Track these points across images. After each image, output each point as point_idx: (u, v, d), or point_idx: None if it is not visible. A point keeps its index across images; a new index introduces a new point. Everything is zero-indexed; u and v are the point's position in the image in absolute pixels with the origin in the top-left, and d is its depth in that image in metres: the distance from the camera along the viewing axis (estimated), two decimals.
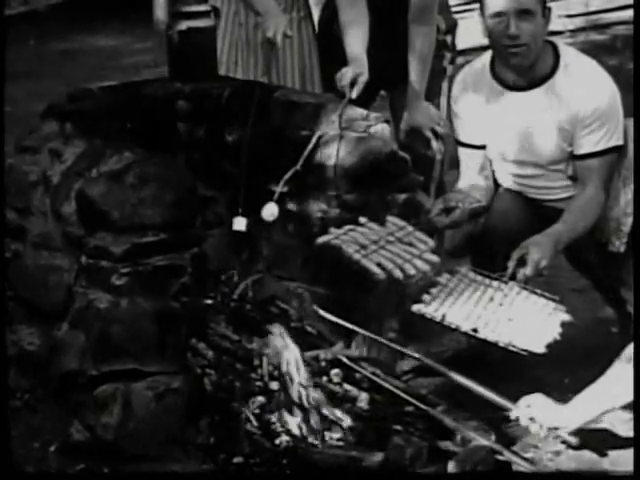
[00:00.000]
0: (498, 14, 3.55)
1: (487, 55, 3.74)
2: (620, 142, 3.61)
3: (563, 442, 3.15)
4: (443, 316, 3.33)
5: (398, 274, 3.31)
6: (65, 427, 3.22)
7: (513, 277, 3.47)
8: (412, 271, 3.32)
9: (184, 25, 3.74)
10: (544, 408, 3.15)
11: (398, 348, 3.39)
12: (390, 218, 3.55)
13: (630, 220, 3.59)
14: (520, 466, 3.06)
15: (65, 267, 3.39)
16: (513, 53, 3.56)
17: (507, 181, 3.82)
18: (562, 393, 3.38)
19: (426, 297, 3.40)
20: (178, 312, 3.27)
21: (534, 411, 3.14)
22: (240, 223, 3.53)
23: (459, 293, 3.44)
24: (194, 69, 3.78)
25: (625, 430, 3.26)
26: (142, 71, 8.09)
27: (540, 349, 3.23)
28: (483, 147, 3.80)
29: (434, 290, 3.43)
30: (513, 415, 3.17)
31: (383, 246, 3.41)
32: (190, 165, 3.58)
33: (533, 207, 3.78)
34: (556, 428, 3.12)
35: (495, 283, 3.49)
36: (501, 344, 3.25)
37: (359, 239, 3.42)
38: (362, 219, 3.51)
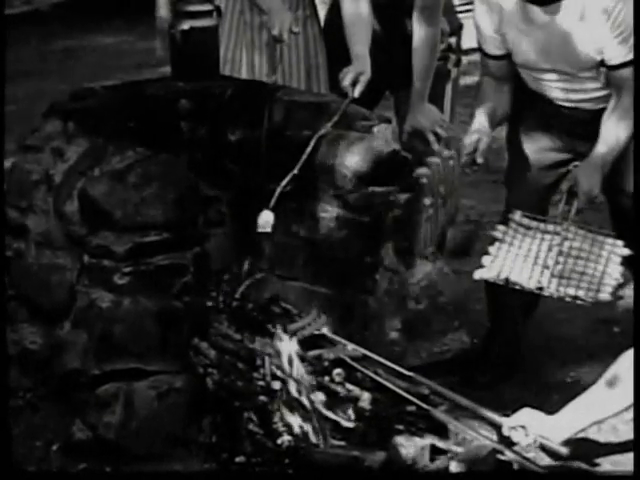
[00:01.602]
0: None
1: None
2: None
3: (552, 454, 3.12)
4: (506, 280, 3.27)
5: None
6: (67, 426, 3.23)
7: (566, 214, 3.40)
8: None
9: (187, 24, 3.74)
10: (534, 420, 3.12)
11: (393, 366, 3.36)
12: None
13: None
14: (520, 466, 3.07)
15: (67, 266, 3.39)
16: None
17: (535, 87, 3.71)
18: (564, 393, 3.39)
19: (485, 259, 3.33)
20: (180, 311, 3.27)
21: (524, 423, 3.11)
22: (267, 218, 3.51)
23: (517, 247, 3.36)
24: (197, 68, 3.78)
25: (626, 430, 3.27)
26: (144, 70, 8.09)
27: (606, 297, 3.18)
28: (506, 57, 3.69)
29: (492, 249, 3.37)
30: (505, 431, 3.13)
31: None
32: (192, 164, 3.58)
33: (564, 115, 3.68)
34: (546, 439, 3.10)
35: (550, 226, 3.41)
36: (567, 299, 3.20)
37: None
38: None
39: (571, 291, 3.20)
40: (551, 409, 3.18)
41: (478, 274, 3.32)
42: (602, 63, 3.52)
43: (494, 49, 3.69)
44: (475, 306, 3.92)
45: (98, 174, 3.40)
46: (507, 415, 3.19)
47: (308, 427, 3.16)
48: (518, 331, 3.84)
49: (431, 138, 4.12)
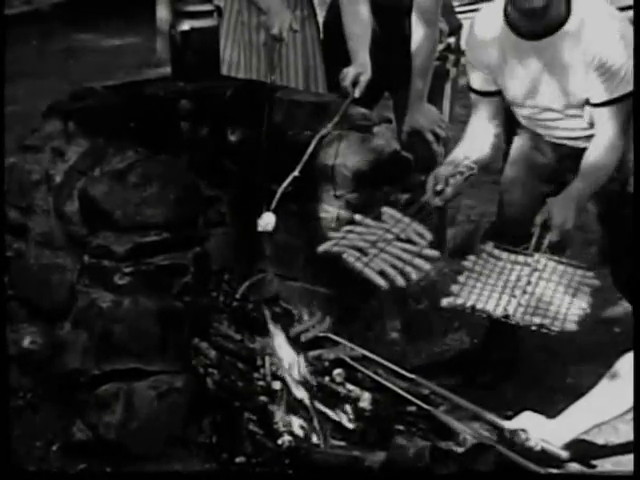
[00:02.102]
0: None
1: (500, 2, 3.59)
2: (631, 87, 3.48)
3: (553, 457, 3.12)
4: (473, 307, 3.28)
5: (400, 282, 3.29)
6: (67, 426, 3.23)
7: (539, 246, 3.41)
8: (414, 275, 3.30)
9: (187, 25, 3.74)
10: (535, 423, 3.13)
11: (394, 367, 3.37)
12: (386, 209, 3.50)
13: None
14: (521, 466, 3.06)
15: (68, 266, 3.39)
16: None
17: (525, 123, 3.75)
18: (565, 393, 3.39)
19: (454, 288, 3.35)
20: (180, 311, 3.27)
21: (525, 427, 3.11)
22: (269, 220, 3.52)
23: (486, 276, 3.38)
24: (197, 69, 3.78)
25: (627, 430, 3.27)
26: (145, 70, 8.09)
27: (572, 327, 3.18)
28: (497, 93, 3.71)
29: (461, 278, 3.38)
30: (506, 434, 3.13)
31: (382, 248, 3.37)
32: (193, 164, 3.58)
33: (552, 148, 3.71)
34: (547, 442, 3.09)
35: (521, 258, 3.42)
36: (533, 327, 3.21)
37: (358, 243, 3.38)
38: (357, 217, 3.47)
39: (537, 320, 3.21)
40: (551, 409, 3.19)
41: (445, 302, 3.33)
42: (587, 101, 3.55)
43: (485, 85, 3.71)
44: None
45: (98, 174, 3.40)
46: (507, 415, 3.19)
47: (308, 427, 3.16)
48: (517, 331, 3.83)
49: (430, 138, 4.12)
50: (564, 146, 3.69)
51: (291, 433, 3.14)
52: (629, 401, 3.02)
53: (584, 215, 3.86)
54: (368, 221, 3.46)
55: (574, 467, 3.15)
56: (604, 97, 3.51)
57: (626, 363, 3.07)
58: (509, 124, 3.84)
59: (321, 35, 4.34)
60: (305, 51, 4.22)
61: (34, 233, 3.52)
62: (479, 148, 3.71)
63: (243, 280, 3.55)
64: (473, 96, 3.78)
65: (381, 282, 3.26)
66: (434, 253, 3.38)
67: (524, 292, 3.29)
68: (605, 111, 3.53)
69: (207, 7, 3.81)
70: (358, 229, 3.44)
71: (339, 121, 3.56)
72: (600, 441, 3.28)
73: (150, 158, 3.41)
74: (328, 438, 3.15)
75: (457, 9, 4.58)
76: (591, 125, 3.59)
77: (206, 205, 3.52)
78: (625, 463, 3.16)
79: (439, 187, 3.55)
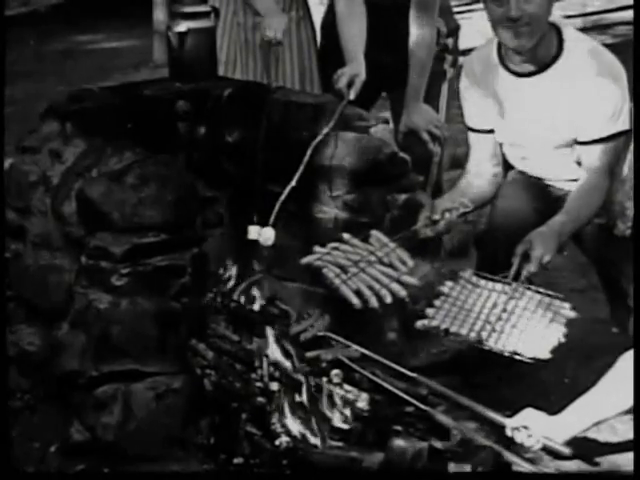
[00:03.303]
0: None
1: (495, 40, 3.66)
2: (625, 127, 3.54)
3: (555, 454, 3.12)
4: (446, 330, 3.33)
5: (374, 303, 3.32)
6: (65, 427, 3.22)
7: (518, 275, 3.44)
8: (388, 299, 3.33)
9: (184, 26, 3.74)
10: (536, 420, 3.13)
11: (395, 367, 3.37)
12: (374, 233, 3.54)
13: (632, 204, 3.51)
14: (520, 466, 3.07)
15: (65, 267, 3.39)
16: (515, 34, 3.47)
17: (516, 164, 3.78)
18: (563, 394, 3.38)
19: (429, 311, 3.39)
20: (178, 312, 3.27)
21: (527, 424, 3.12)
22: (254, 232, 3.55)
23: (463, 301, 3.43)
24: (194, 69, 3.78)
25: (625, 430, 3.27)
26: (142, 71, 8.10)
27: (545, 355, 3.21)
28: (492, 131, 3.76)
29: (437, 302, 3.42)
30: (508, 432, 3.14)
31: (363, 268, 3.41)
32: (190, 165, 3.58)
33: (541, 189, 3.74)
34: (549, 439, 3.10)
35: (499, 286, 3.46)
36: (506, 354, 3.25)
37: (340, 260, 3.43)
38: (345, 235, 3.51)
39: (510, 347, 3.24)
40: (550, 409, 3.18)
41: (420, 324, 3.37)
42: (576, 140, 3.59)
43: (481, 123, 3.75)
44: None
45: (96, 175, 3.40)
46: (507, 415, 3.19)
47: (306, 428, 3.16)
48: None
49: (426, 138, 4.13)
50: (552, 189, 3.73)
51: (289, 434, 3.14)
52: (630, 399, 3.02)
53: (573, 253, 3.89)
54: (355, 241, 3.51)
55: (575, 465, 3.15)
56: (593, 135, 3.54)
57: (627, 360, 3.07)
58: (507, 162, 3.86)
59: (318, 37, 4.35)
60: (300, 52, 4.23)
61: (32, 234, 3.52)
62: (477, 185, 3.75)
63: (241, 281, 3.54)
64: (470, 134, 3.82)
65: (355, 301, 3.31)
66: (412, 280, 3.41)
67: (499, 319, 3.33)
68: (591, 150, 3.56)
69: (204, 8, 3.82)
70: (343, 247, 3.49)
71: (335, 123, 3.56)
72: (600, 439, 3.29)
73: (148, 159, 3.41)
74: (326, 439, 3.15)
75: (455, 9, 4.59)
76: (579, 165, 3.63)
77: (204, 206, 3.52)
78: (625, 463, 3.16)
79: (436, 217, 3.58)
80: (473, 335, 3.30)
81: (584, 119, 3.53)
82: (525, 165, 3.77)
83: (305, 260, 3.44)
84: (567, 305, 3.41)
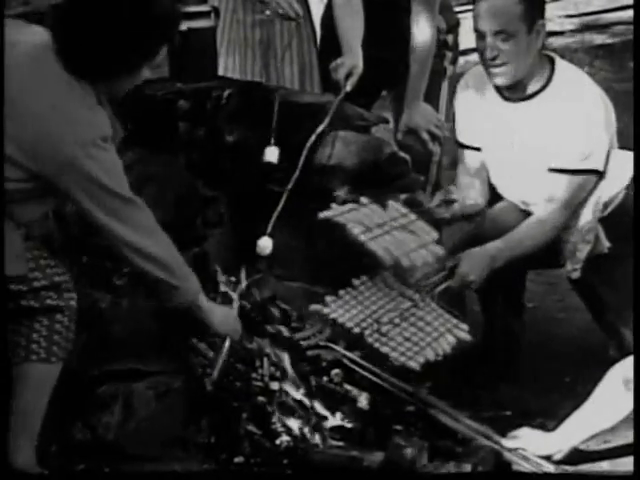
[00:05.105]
0: (478, 32, 3.53)
1: None
2: (597, 167, 3.52)
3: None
4: (334, 320, 3.29)
5: (406, 262, 3.28)
6: (66, 427, 3.22)
7: (435, 286, 3.45)
8: (419, 261, 3.29)
9: (184, 26, 3.74)
10: (532, 441, 3.12)
11: (398, 383, 3.34)
12: (392, 203, 3.50)
13: (588, 248, 3.51)
14: (520, 466, 3.07)
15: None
16: (492, 74, 3.53)
17: (500, 185, 3.80)
18: (563, 393, 3.39)
19: (329, 299, 3.34)
20: (179, 312, 3.26)
21: (523, 445, 3.11)
22: (273, 154, 3.51)
23: (365, 297, 3.38)
24: (195, 69, 3.78)
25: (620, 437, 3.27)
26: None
27: (415, 366, 3.17)
28: (480, 149, 3.78)
29: (342, 292, 3.37)
30: (504, 454, 3.12)
31: (388, 231, 3.36)
32: (191, 165, 3.58)
33: (523, 214, 3.73)
34: (547, 457, 3.09)
35: (410, 292, 3.42)
36: (382, 351, 3.21)
37: (364, 220, 3.37)
38: (364, 199, 3.47)
39: (385, 350, 3.21)
40: (549, 409, 3.19)
41: (312, 307, 3.34)
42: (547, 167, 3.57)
43: (468, 139, 3.77)
44: (474, 306, 3.92)
45: None
46: (507, 415, 3.19)
47: (306, 427, 3.16)
48: (514, 330, 3.84)
49: (426, 137, 4.12)
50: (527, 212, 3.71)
51: (289, 433, 3.14)
52: (623, 411, 3.01)
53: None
54: (374, 207, 3.46)
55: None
56: (561, 165, 3.53)
57: (618, 373, 3.06)
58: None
59: (317, 33, 4.34)
60: (300, 50, 4.22)
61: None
62: (468, 197, 3.76)
63: (241, 280, 3.55)
64: (459, 150, 3.83)
65: (386, 257, 3.26)
66: (439, 250, 3.39)
67: (389, 322, 3.30)
68: (558, 179, 3.54)
69: (204, 8, 3.82)
70: (363, 210, 3.44)
71: (336, 120, 3.55)
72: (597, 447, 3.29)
73: (148, 159, 3.41)
74: (326, 438, 3.16)
75: (455, 7, 4.59)
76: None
77: (204, 205, 3.52)
78: (625, 463, 3.16)
79: (453, 196, 3.58)
80: (356, 330, 3.25)
81: (559, 147, 3.52)
82: (507, 187, 3.76)
83: (323, 214, 3.37)
84: (465, 327, 3.38)
